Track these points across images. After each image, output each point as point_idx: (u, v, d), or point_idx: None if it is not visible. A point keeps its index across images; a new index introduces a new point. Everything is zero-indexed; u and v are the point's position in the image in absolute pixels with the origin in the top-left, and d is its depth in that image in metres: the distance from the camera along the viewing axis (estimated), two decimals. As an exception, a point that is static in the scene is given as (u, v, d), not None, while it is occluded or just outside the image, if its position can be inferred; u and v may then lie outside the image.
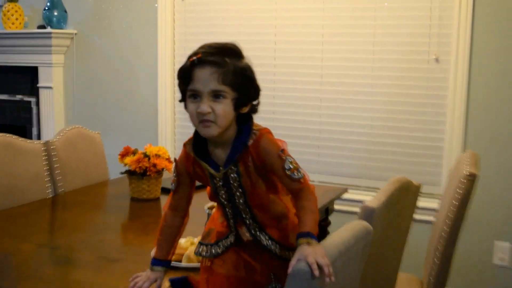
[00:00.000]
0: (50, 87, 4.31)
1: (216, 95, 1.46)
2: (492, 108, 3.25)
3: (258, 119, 1.59)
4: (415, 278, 2.68)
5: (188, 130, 1.72)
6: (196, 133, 1.57)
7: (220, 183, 1.56)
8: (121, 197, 2.79)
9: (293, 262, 1.40)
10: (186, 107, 1.52)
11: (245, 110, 1.52)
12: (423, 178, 3.36)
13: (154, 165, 2.70)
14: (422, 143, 3.44)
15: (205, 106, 1.45)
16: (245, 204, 1.57)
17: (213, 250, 1.64)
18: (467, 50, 3.25)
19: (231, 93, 1.47)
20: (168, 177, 3.01)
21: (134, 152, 2.75)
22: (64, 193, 2.88)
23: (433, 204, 3.29)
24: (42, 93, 4.36)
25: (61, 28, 4.24)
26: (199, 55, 1.47)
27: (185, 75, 1.49)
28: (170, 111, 4.03)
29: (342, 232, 1.53)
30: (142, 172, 2.69)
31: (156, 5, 3.98)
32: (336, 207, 3.06)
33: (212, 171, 1.55)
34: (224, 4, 3.85)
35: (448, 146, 3.36)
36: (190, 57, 1.49)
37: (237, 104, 1.49)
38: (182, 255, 1.93)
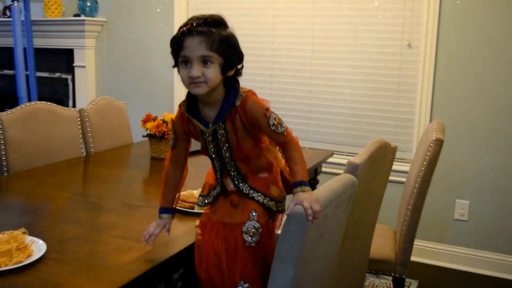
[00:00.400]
0: (83, 66, 4.26)
1: (205, 61, 1.42)
2: (454, 86, 3.21)
3: (258, 95, 1.55)
4: (389, 228, 2.66)
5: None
6: (188, 95, 1.54)
7: (210, 139, 1.53)
8: (143, 156, 2.76)
9: (290, 206, 1.37)
10: (179, 71, 1.49)
11: (231, 73, 1.49)
12: (397, 145, 3.34)
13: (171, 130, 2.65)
14: (396, 116, 3.41)
15: (196, 70, 1.41)
16: (231, 158, 1.54)
17: (206, 200, 1.64)
18: (435, 37, 3.20)
19: (218, 58, 1.43)
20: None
21: (154, 119, 2.71)
22: (94, 153, 2.85)
23: (406, 167, 3.27)
24: (77, 71, 4.31)
25: (93, 17, 4.17)
26: (188, 26, 1.43)
27: (177, 44, 1.44)
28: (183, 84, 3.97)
29: (332, 183, 1.49)
30: (161, 136, 2.65)
31: (173, -3, 3.91)
32: (323, 169, 3.04)
33: (202, 127, 1.52)
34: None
35: (417, 118, 3.33)
36: (180, 28, 1.45)
37: (224, 68, 1.45)
38: (194, 203, 1.91)
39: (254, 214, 1.53)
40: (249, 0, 3.72)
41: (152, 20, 4.02)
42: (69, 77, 4.39)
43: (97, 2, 4.16)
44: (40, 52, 4.33)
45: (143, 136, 2.76)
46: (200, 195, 1.68)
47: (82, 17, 4.09)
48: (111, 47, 4.23)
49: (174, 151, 1.63)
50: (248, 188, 1.56)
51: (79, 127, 2.83)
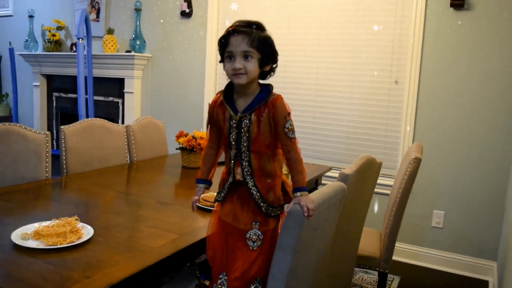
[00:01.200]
0: (131, 92, 4.32)
1: (246, 56, 1.42)
2: (433, 116, 3.19)
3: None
4: (376, 231, 2.64)
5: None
6: (227, 85, 1.53)
7: (234, 125, 1.48)
8: (175, 165, 2.78)
9: (290, 205, 1.38)
10: (224, 66, 1.48)
11: (267, 68, 1.49)
12: (385, 164, 3.34)
13: (199, 144, 2.69)
14: (385, 139, 3.39)
15: (238, 63, 1.42)
16: (247, 147, 1.48)
17: (221, 194, 1.56)
18: (417, 76, 3.21)
19: (257, 54, 1.44)
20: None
21: (186, 135, 2.75)
22: (137, 161, 2.88)
23: (391, 182, 3.26)
24: (126, 96, 4.37)
25: (141, 53, 4.24)
26: (233, 27, 1.45)
27: (223, 41, 1.46)
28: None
29: (325, 188, 1.51)
30: (190, 148, 2.68)
31: (203, 33, 3.98)
32: (323, 181, 3.04)
33: (232, 113, 1.49)
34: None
35: (402, 141, 3.31)
36: (227, 29, 1.46)
37: (261, 63, 1.45)
38: (212, 203, 1.92)
39: (256, 224, 1.49)
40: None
41: (187, 56, 4.09)
42: (120, 100, 4.47)
43: (145, 42, 4.24)
44: (98, 80, 4.43)
45: (176, 149, 2.79)
46: (216, 193, 1.63)
47: (132, 53, 4.18)
48: (154, 77, 4.30)
49: (210, 133, 1.60)
50: (252, 183, 1.48)
51: (125, 140, 2.87)
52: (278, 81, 3.72)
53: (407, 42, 3.23)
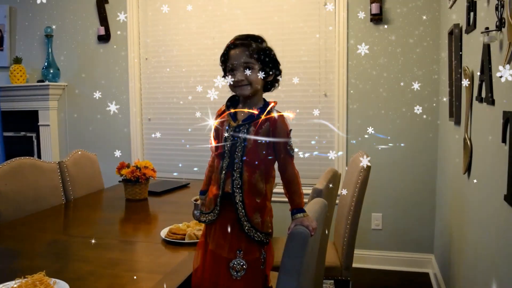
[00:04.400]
0: (47, 125, 3.97)
1: (247, 67, 1.44)
2: (362, 126, 3.35)
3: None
4: (329, 241, 2.68)
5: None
6: (232, 97, 1.55)
7: (231, 133, 1.46)
8: (118, 199, 2.60)
9: (291, 226, 1.34)
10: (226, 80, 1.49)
11: (270, 78, 1.51)
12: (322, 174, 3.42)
13: (144, 174, 2.53)
14: (319, 151, 3.47)
15: (240, 75, 1.44)
16: (241, 158, 1.44)
17: (214, 212, 1.47)
18: (345, 87, 3.35)
19: (257, 64, 1.45)
20: (152, 182, 2.85)
21: (128, 166, 2.57)
22: (75, 199, 2.63)
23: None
24: (42, 130, 4.00)
25: (55, 82, 3.93)
26: (233, 41, 1.48)
27: (225, 56, 1.49)
28: (139, 138, 3.85)
29: (312, 205, 1.49)
30: (135, 180, 2.52)
31: (124, 53, 3.80)
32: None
33: (231, 120, 1.49)
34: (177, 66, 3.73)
35: (336, 150, 3.43)
36: (227, 44, 1.49)
37: (266, 73, 1.47)
38: (184, 235, 1.81)
39: (240, 252, 1.43)
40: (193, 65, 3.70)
41: (109, 80, 3.86)
42: (33, 135, 4.08)
43: (58, 70, 3.93)
44: (6, 115, 4.01)
45: (119, 182, 2.60)
46: (202, 212, 1.54)
47: (46, 83, 3.85)
48: (73, 106, 4.00)
49: (216, 143, 1.55)
50: (240, 198, 1.42)
51: (59, 177, 2.61)
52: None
53: (333, 55, 3.36)
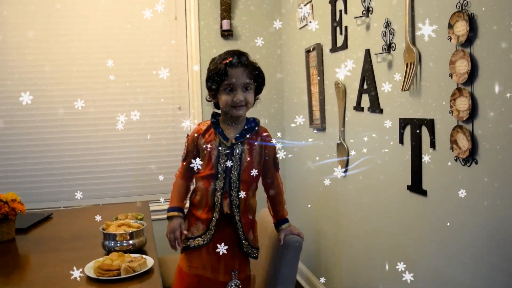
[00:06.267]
0: None
1: (246, 87, 1.43)
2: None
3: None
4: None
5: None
6: (213, 116, 1.50)
7: (224, 153, 1.42)
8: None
9: (281, 237, 1.38)
10: (215, 97, 1.45)
11: (257, 96, 1.53)
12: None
13: (13, 209, 2.12)
14: (175, 165, 3.45)
15: (241, 96, 1.42)
16: (238, 177, 1.42)
17: (206, 235, 1.42)
18: (200, 100, 3.43)
19: (253, 85, 1.46)
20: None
21: (-13, 201, 2.11)
22: None
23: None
24: None
25: None
26: (231, 59, 1.42)
27: (222, 74, 1.41)
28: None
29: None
30: (3, 217, 2.08)
31: None
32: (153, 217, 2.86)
33: (222, 140, 1.44)
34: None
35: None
36: (222, 60, 1.42)
37: (256, 92, 1.49)
38: (117, 270, 1.62)
39: (235, 273, 1.43)
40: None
41: None
42: None
43: None
44: None
45: (-24, 223, 2.10)
46: (189, 238, 1.44)
47: None
48: None
49: (185, 163, 1.49)
50: (239, 217, 1.42)
51: None
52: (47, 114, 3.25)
53: (184, 69, 3.40)
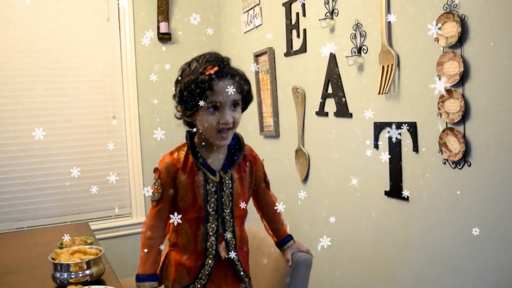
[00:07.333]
0: None
1: (234, 105, 1.12)
2: (157, 149, 3.25)
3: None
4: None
5: None
6: (191, 141, 1.16)
7: (213, 189, 1.14)
8: None
9: (288, 256, 1.25)
10: (193, 115, 1.11)
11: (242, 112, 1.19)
12: (117, 203, 3.14)
13: None
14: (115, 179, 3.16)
15: (229, 117, 1.10)
16: (231, 215, 1.18)
17: (196, 285, 1.17)
18: (136, 107, 3.18)
19: (241, 99, 1.14)
20: None
21: None
22: None
23: (127, 221, 3.13)
24: None
25: None
26: (216, 68, 1.07)
27: (205, 89, 1.05)
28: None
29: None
30: None
31: None
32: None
33: (210, 175, 1.14)
34: None
35: (132, 179, 3.21)
36: (205, 70, 1.06)
37: (243, 108, 1.17)
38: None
39: None
40: None
41: None
42: None
43: None
44: None
45: None
46: None
47: None
48: None
49: (160, 207, 1.16)
50: (237, 257, 1.21)
51: None
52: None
53: (118, 75, 3.14)
